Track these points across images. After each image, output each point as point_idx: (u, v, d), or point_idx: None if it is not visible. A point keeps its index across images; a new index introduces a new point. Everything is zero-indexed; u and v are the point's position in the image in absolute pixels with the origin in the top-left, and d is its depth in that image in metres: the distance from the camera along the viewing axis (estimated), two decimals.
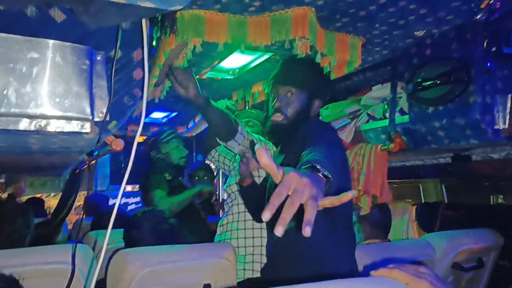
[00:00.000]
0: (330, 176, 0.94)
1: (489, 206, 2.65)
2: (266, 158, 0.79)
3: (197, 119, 3.68)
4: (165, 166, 2.76)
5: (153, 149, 2.85)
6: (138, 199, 6.43)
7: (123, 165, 6.04)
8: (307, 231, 0.69)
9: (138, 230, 1.69)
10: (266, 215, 0.70)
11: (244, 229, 2.03)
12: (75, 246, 1.33)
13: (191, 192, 2.68)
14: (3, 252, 1.33)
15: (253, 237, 2.03)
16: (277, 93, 1.66)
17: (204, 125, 3.57)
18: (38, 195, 4.59)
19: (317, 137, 1.37)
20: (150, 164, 2.89)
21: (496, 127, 1.71)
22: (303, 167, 0.98)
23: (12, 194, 3.66)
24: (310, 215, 0.73)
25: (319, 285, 0.61)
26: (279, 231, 0.68)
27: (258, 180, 1.92)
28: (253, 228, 2.03)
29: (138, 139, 1.15)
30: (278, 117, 1.63)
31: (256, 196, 1.80)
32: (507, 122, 1.71)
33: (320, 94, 1.69)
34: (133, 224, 1.72)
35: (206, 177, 3.42)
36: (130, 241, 1.68)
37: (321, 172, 0.94)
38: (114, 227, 1.11)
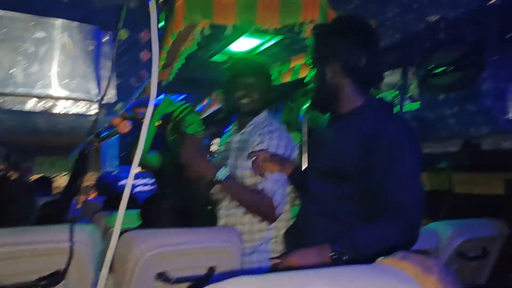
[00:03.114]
0: None
1: (496, 196, 2.62)
2: None
3: (204, 102, 3.66)
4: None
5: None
6: (145, 180, 6.49)
7: (129, 148, 6.08)
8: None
9: (158, 210, 1.70)
10: None
11: None
12: (73, 226, 1.33)
13: None
14: (6, 230, 1.34)
15: None
16: None
17: (211, 109, 3.55)
18: (46, 175, 4.63)
19: None
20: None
21: (508, 115, 1.68)
22: None
23: (20, 173, 3.70)
24: None
25: (324, 272, 0.61)
26: None
27: None
28: None
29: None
30: None
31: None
32: None
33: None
34: (152, 203, 1.74)
35: None
36: (148, 220, 1.70)
37: None
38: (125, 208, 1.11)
